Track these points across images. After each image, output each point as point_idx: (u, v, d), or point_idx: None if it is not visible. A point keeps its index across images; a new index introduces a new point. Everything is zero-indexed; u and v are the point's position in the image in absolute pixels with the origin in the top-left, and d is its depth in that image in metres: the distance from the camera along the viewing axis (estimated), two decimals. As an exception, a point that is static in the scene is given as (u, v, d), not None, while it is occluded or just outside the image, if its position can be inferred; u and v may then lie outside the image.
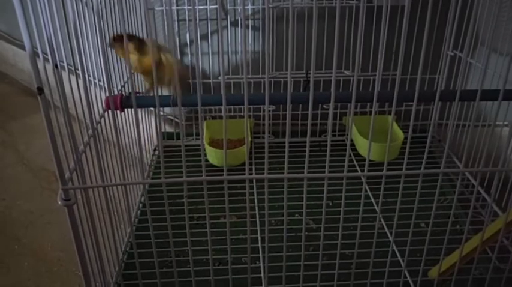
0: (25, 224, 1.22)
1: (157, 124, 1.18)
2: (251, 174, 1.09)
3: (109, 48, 0.84)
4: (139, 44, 0.85)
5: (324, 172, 0.61)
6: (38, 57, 0.51)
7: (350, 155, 1.19)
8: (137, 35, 0.98)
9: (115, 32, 0.86)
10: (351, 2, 1.14)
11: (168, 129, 1.35)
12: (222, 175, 0.60)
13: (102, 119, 0.79)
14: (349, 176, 0.62)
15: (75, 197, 0.59)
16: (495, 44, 1.07)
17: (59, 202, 0.57)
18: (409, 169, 0.65)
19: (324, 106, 1.23)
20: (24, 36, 0.48)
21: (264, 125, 1.30)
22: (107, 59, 0.84)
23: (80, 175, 0.61)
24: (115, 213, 0.81)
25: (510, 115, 0.96)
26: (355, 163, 1.18)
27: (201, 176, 0.59)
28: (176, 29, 1.20)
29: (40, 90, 0.51)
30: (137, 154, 1.12)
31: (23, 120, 1.74)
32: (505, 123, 1.11)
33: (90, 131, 0.70)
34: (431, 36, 1.19)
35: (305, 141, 0.59)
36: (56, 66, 0.51)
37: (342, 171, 0.63)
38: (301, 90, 1.25)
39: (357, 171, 1.14)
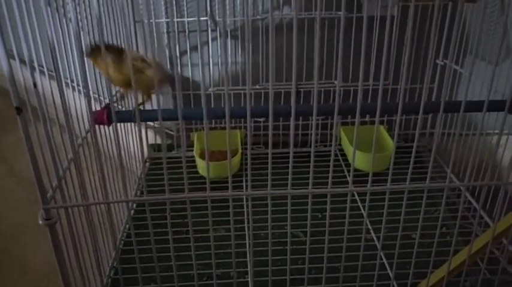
0: (15, 237, 1.21)
1: (141, 139, 1.18)
2: (239, 187, 1.09)
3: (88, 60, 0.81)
4: (117, 56, 0.79)
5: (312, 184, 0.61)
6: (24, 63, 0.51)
7: (341, 166, 1.20)
8: (117, 44, 0.93)
9: (93, 43, 0.82)
10: (339, 13, 1.15)
11: (160, 140, 1.35)
12: (212, 188, 0.59)
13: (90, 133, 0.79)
14: (333, 192, 0.62)
15: (58, 216, 0.58)
16: (484, 53, 1.07)
17: (40, 222, 0.57)
18: (399, 181, 0.65)
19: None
20: (1, 54, 0.47)
21: (257, 135, 1.30)
22: (88, 73, 0.84)
23: (62, 193, 0.60)
24: (104, 227, 0.81)
25: (500, 123, 0.95)
26: (346, 173, 1.17)
27: (191, 190, 0.59)
28: (166, 41, 1.20)
29: (19, 110, 0.50)
30: (128, 166, 1.12)
31: (14, 132, 1.73)
32: (495, 131, 1.10)
33: (79, 141, 0.69)
34: (421, 45, 1.19)
35: (296, 152, 0.59)
36: (35, 85, 0.50)
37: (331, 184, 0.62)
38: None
39: (347, 182, 1.13)
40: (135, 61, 0.81)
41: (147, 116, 0.78)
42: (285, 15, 1.18)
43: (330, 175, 0.61)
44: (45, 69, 0.63)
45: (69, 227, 0.62)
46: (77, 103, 0.75)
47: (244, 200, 1.04)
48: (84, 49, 0.77)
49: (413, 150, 0.67)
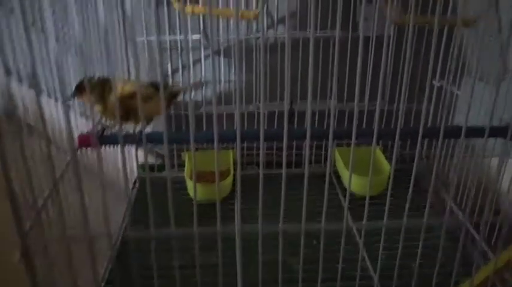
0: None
1: (126, 172, 1.14)
2: (231, 209, 1.05)
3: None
4: (102, 91, 0.75)
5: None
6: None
7: (335, 189, 1.17)
8: (99, 76, 0.84)
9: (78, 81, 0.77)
10: (334, 32, 1.13)
11: (149, 159, 1.31)
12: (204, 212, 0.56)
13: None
14: (328, 229, 0.59)
15: (35, 250, 0.55)
16: (482, 74, 1.05)
17: (17, 257, 0.53)
18: (396, 205, 0.64)
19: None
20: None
21: (250, 155, 1.27)
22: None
23: (40, 226, 0.56)
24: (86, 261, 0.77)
25: (499, 146, 0.93)
26: (340, 196, 1.14)
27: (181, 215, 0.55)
28: (158, 59, 1.17)
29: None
30: (117, 184, 1.08)
31: None
32: (494, 155, 1.08)
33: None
34: (417, 65, 1.17)
35: (290, 173, 0.56)
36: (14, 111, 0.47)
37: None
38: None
39: (342, 206, 1.10)
40: (128, 99, 0.76)
41: (134, 140, 0.75)
42: (279, 35, 1.15)
43: (324, 210, 0.57)
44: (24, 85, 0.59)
45: (48, 261, 0.58)
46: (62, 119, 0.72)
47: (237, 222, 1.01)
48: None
49: (412, 180, 0.64)
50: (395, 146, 0.67)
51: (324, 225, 0.58)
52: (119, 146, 0.56)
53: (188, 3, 0.98)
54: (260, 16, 0.97)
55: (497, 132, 0.77)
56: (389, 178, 1.08)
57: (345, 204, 0.59)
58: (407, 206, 0.63)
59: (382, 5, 0.90)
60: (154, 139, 0.75)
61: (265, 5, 0.83)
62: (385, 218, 0.59)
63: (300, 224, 0.57)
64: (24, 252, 0.54)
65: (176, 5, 0.88)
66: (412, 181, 0.66)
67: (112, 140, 0.73)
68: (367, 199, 0.60)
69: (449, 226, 1.02)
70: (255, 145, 1.24)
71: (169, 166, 0.56)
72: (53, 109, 0.69)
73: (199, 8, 0.90)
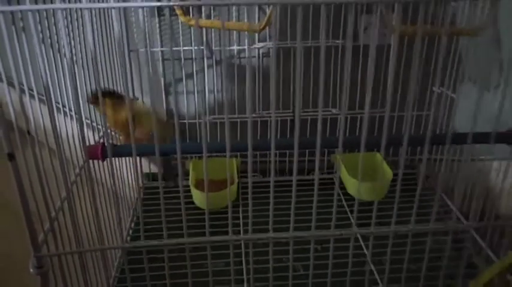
0: (1, 267, 1.17)
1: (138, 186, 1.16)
2: (236, 217, 1.06)
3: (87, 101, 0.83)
4: (117, 101, 0.84)
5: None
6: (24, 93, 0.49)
7: (339, 195, 1.18)
8: (117, 91, 0.94)
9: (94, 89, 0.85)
10: (336, 41, 1.14)
11: (154, 169, 1.32)
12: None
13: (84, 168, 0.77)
14: (335, 235, 0.60)
15: (50, 263, 0.56)
16: (478, 79, 1.07)
17: (31, 270, 0.54)
18: (401, 209, 0.65)
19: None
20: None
21: (253, 163, 1.28)
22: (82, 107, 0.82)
23: (54, 237, 0.57)
24: (98, 272, 0.78)
25: (500, 150, 0.94)
26: (343, 202, 1.15)
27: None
28: (161, 69, 1.18)
29: (11, 156, 0.48)
30: (123, 194, 1.09)
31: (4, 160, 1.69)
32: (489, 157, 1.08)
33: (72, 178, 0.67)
34: (418, 73, 1.19)
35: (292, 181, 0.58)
36: (29, 132, 0.49)
37: (329, 213, 0.60)
38: (288, 129, 1.23)
39: (345, 212, 1.11)
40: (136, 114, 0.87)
41: (144, 150, 0.77)
42: (281, 45, 1.17)
43: (334, 217, 0.59)
44: (36, 96, 0.60)
45: (62, 273, 0.59)
46: (70, 131, 0.73)
47: (242, 229, 1.02)
48: (86, 96, 0.82)
49: (420, 184, 0.65)
50: (403, 153, 0.68)
51: (333, 232, 0.59)
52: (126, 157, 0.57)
53: (191, 15, 1.00)
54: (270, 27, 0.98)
55: (503, 138, 0.78)
56: (392, 181, 1.11)
57: (354, 210, 0.61)
58: (414, 211, 0.64)
59: (384, 16, 0.92)
60: (161, 151, 0.76)
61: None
62: (392, 223, 0.61)
63: (308, 231, 0.58)
64: (38, 265, 0.55)
65: (183, 18, 0.90)
66: (419, 185, 0.67)
67: (125, 151, 0.74)
68: (375, 204, 0.61)
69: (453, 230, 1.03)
70: (258, 153, 1.25)
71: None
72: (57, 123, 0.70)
73: (205, 22, 0.92)
